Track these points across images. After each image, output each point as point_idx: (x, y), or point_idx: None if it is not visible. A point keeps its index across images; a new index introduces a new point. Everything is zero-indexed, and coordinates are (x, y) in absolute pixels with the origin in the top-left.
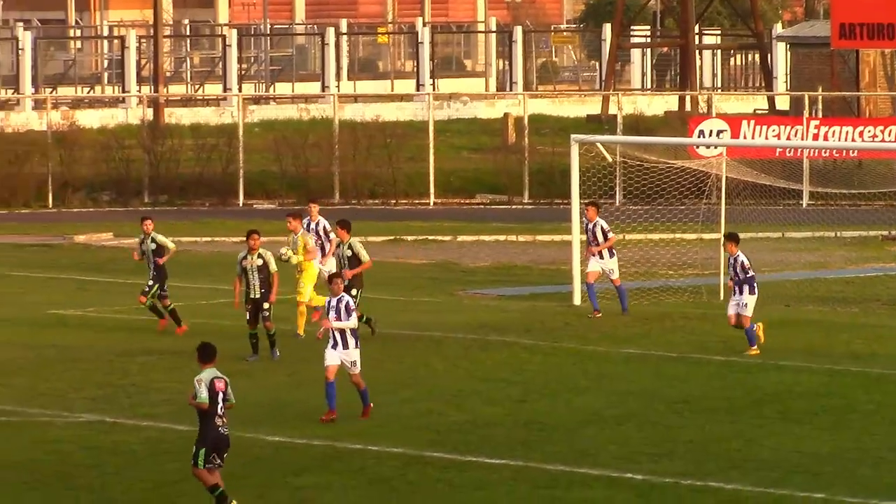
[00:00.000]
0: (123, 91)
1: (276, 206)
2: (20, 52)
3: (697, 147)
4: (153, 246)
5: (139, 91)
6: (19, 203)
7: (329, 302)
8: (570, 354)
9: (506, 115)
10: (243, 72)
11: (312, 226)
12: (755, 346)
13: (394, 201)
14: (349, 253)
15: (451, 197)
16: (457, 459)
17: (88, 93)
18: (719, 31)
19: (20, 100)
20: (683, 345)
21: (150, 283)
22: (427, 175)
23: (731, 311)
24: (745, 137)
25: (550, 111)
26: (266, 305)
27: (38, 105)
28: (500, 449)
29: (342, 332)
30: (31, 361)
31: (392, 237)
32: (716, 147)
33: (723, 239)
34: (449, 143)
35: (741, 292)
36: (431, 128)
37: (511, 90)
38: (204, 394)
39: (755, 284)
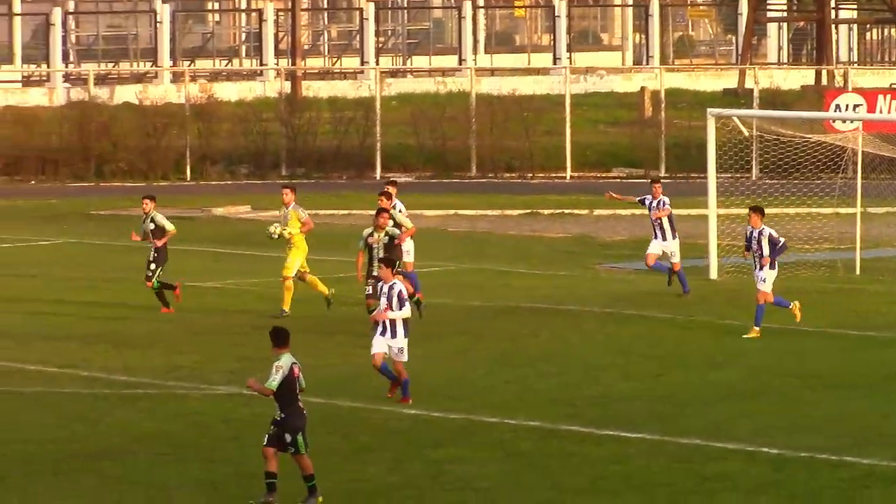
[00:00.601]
0: (261, 64)
1: (414, 179)
2: (158, 24)
3: (833, 121)
4: (151, 226)
5: (277, 64)
6: (157, 175)
7: (381, 288)
8: (705, 329)
9: (642, 88)
10: (381, 45)
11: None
12: (758, 328)
13: (530, 175)
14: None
15: (588, 171)
16: (593, 433)
17: (226, 66)
18: (855, 6)
19: (158, 72)
20: (819, 319)
21: (153, 266)
22: (563, 149)
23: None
24: (881, 112)
25: (687, 85)
26: None
27: (177, 78)
28: (636, 423)
29: (392, 319)
30: (169, 334)
31: (528, 211)
32: (852, 121)
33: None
34: (585, 117)
35: (761, 267)
36: (568, 101)
37: (647, 64)
38: (276, 382)
39: (776, 260)
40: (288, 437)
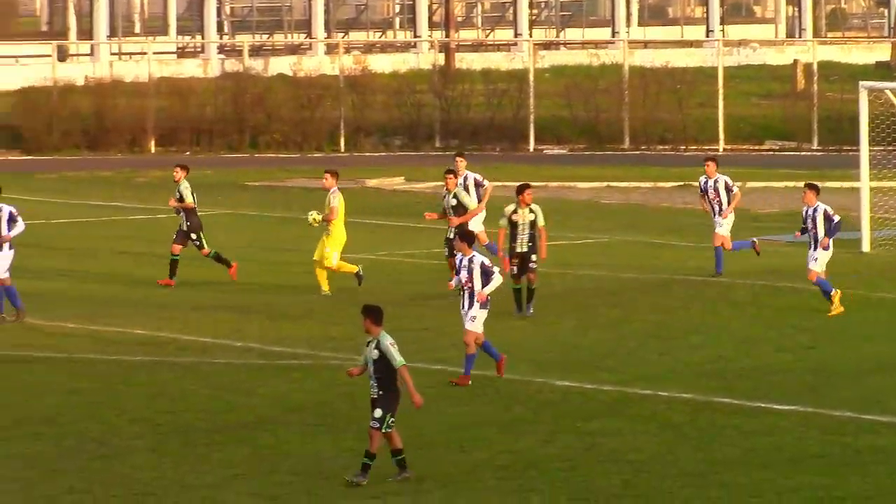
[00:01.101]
0: (415, 36)
1: (567, 151)
2: None
3: None
4: (177, 195)
5: (430, 36)
6: (312, 147)
7: (460, 260)
8: (858, 301)
9: (795, 61)
10: (534, 17)
11: (459, 180)
12: (833, 290)
13: (683, 147)
14: (454, 202)
15: (741, 143)
16: (745, 405)
17: (380, 37)
18: None
19: (312, 44)
20: None
21: (193, 236)
22: (716, 121)
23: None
24: None
25: (839, 58)
26: (534, 258)
27: (331, 50)
28: (788, 395)
29: (472, 290)
30: (323, 305)
31: (681, 183)
32: None
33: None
34: (738, 90)
35: (815, 247)
36: (721, 74)
37: (800, 36)
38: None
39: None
40: (378, 413)
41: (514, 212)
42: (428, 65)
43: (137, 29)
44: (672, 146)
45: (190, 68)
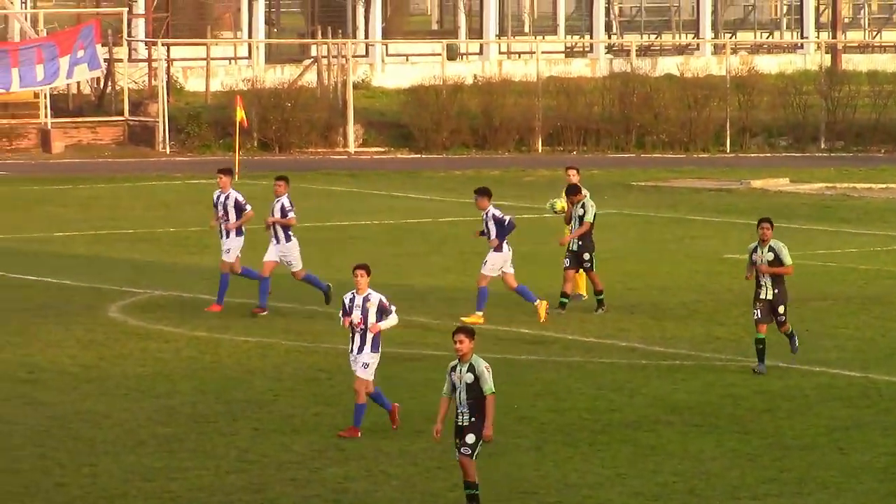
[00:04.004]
0: (801, 37)
1: None
2: None
3: None
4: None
5: (817, 37)
6: (697, 147)
7: (352, 299)
8: None
9: None
10: None
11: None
12: (480, 312)
13: None
14: (581, 212)
15: None
16: None
17: (767, 38)
18: None
19: (699, 44)
20: None
21: None
22: None
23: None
24: None
25: None
26: (782, 309)
27: (717, 50)
28: None
29: (364, 332)
30: (707, 306)
31: None
32: None
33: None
34: None
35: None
36: None
37: None
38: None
39: (504, 243)
40: (471, 439)
41: (755, 251)
42: (814, 65)
43: (526, 28)
44: None
45: (578, 67)
